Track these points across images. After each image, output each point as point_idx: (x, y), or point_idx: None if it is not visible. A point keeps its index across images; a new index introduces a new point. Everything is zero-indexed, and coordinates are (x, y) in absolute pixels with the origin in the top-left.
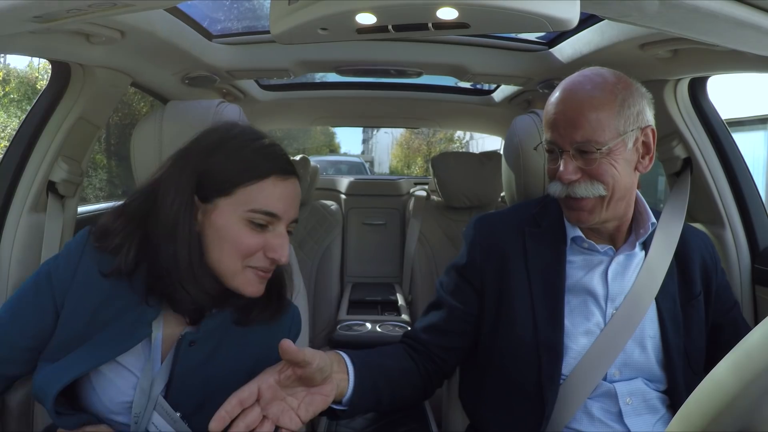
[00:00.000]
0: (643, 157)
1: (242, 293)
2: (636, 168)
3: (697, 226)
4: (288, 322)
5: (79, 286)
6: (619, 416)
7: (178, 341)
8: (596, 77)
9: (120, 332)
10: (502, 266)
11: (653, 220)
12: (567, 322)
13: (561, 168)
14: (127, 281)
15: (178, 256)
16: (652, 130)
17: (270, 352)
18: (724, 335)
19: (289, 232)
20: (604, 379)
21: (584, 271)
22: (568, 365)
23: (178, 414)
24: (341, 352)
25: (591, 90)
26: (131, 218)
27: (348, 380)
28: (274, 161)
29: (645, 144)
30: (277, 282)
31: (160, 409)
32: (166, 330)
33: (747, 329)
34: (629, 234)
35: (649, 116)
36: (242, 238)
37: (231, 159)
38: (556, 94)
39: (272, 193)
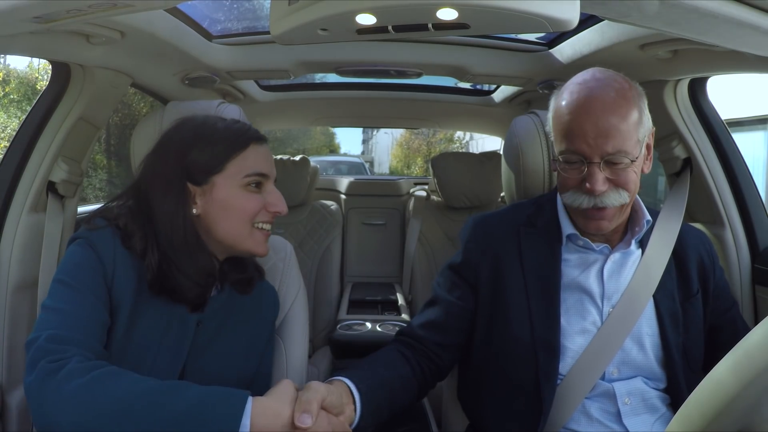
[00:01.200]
0: (646, 158)
1: (253, 253)
2: (642, 170)
3: (697, 226)
4: (271, 303)
5: (119, 285)
6: (618, 416)
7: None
8: (614, 83)
9: (167, 335)
10: (497, 266)
11: (648, 217)
12: (563, 321)
13: (591, 180)
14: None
15: (175, 243)
16: (653, 131)
17: (260, 329)
18: (722, 335)
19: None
20: (603, 378)
21: (580, 269)
22: (565, 365)
23: None
24: (347, 381)
25: (616, 98)
26: (146, 219)
27: (355, 410)
28: (246, 133)
29: (648, 145)
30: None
31: None
32: None
33: (746, 329)
34: (625, 232)
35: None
36: (245, 202)
37: (212, 143)
38: (573, 99)
39: (257, 158)
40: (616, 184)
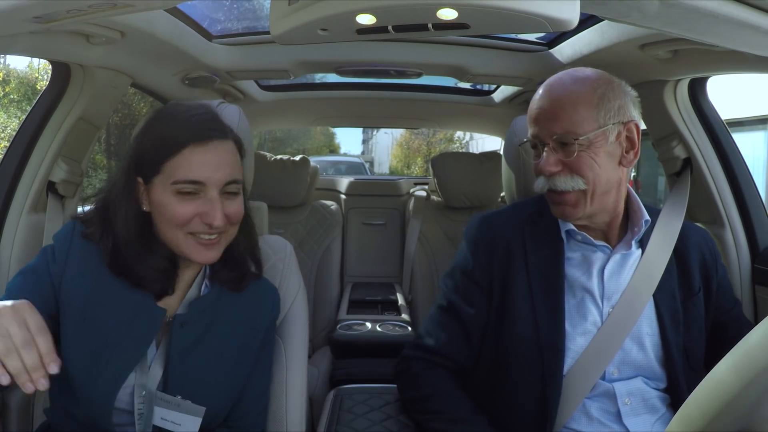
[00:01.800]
0: (627, 152)
1: (192, 260)
2: (620, 162)
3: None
4: (269, 303)
5: (71, 274)
6: (618, 416)
7: (169, 324)
8: (577, 73)
9: (132, 325)
10: (506, 263)
11: (647, 217)
12: (566, 321)
13: (542, 160)
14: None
15: (122, 238)
16: (636, 125)
17: (255, 330)
18: (727, 333)
19: (232, 193)
20: (603, 378)
21: (582, 269)
22: (566, 364)
23: (179, 397)
24: None
25: (570, 84)
26: (105, 207)
27: None
28: (189, 130)
29: (629, 139)
30: (248, 250)
31: (160, 402)
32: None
33: (749, 327)
34: (624, 232)
35: (633, 112)
36: (174, 209)
37: (152, 139)
38: (539, 92)
39: (191, 162)
40: (570, 167)
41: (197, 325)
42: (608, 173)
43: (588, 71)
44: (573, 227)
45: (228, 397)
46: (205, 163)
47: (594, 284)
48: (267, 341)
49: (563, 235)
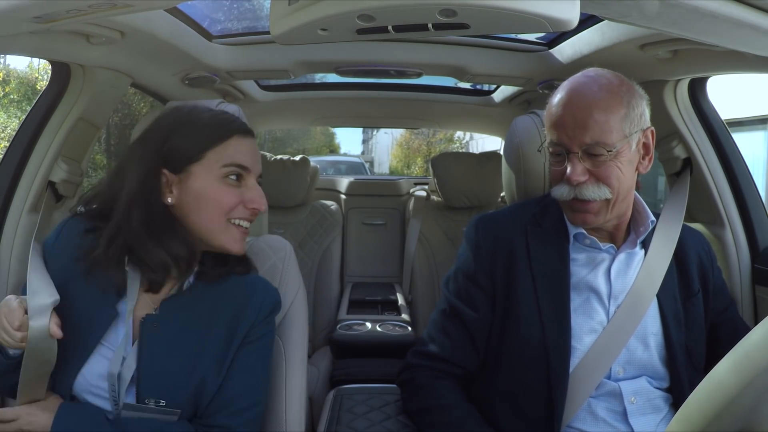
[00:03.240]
0: (643, 158)
1: (228, 250)
2: (637, 168)
3: (697, 226)
4: (258, 301)
5: (55, 261)
6: (624, 416)
7: (141, 325)
8: (601, 79)
9: (88, 321)
10: (508, 265)
11: (652, 218)
12: (572, 322)
13: (569, 169)
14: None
15: (134, 228)
16: (652, 131)
17: (237, 326)
18: (721, 334)
19: (259, 185)
20: (609, 377)
21: (588, 269)
22: (571, 364)
23: (152, 401)
24: None
25: (598, 91)
26: (111, 201)
27: None
28: (232, 123)
29: (645, 145)
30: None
31: (130, 410)
32: (138, 312)
33: (744, 327)
34: (628, 232)
35: (648, 117)
36: (221, 194)
37: (194, 131)
38: (560, 95)
39: (238, 149)
40: (597, 177)
41: (170, 325)
42: (629, 180)
43: (609, 75)
44: (583, 231)
45: (197, 394)
46: (249, 152)
47: (601, 283)
48: (253, 339)
49: (570, 237)
